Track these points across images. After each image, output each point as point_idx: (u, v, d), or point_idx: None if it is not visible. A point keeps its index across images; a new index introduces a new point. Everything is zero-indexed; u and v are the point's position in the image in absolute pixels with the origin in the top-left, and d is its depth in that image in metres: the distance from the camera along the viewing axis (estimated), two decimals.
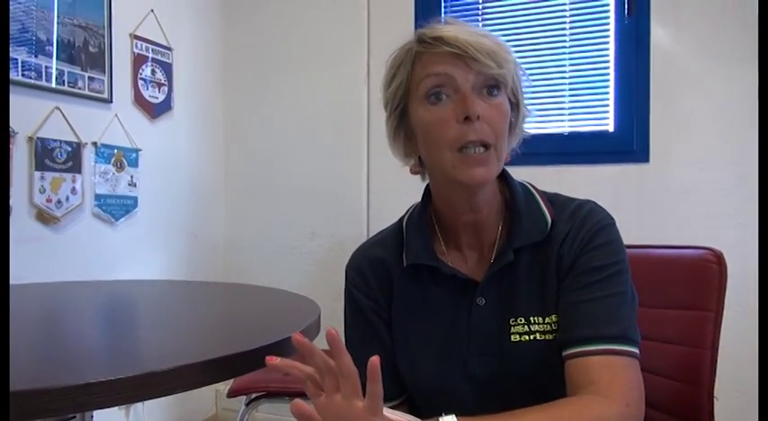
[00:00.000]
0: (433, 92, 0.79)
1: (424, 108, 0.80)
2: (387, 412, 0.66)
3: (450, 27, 0.79)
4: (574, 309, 0.78)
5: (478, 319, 0.83)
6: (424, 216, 0.90)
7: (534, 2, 2.18)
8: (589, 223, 0.82)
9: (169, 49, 2.36)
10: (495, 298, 0.83)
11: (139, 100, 2.22)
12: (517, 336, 0.81)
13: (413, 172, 0.90)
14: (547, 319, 0.81)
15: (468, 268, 0.86)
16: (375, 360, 0.59)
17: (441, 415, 0.67)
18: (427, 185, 0.92)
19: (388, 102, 0.86)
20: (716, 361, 0.99)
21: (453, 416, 0.66)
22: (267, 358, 0.62)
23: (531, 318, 0.81)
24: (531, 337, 0.81)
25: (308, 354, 0.62)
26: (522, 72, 0.84)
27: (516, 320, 0.82)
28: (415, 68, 0.81)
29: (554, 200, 0.87)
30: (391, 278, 0.89)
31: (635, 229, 1.97)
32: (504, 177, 0.88)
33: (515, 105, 0.84)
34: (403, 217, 0.94)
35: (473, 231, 0.86)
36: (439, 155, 0.79)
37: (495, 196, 0.86)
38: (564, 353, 0.77)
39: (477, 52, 0.76)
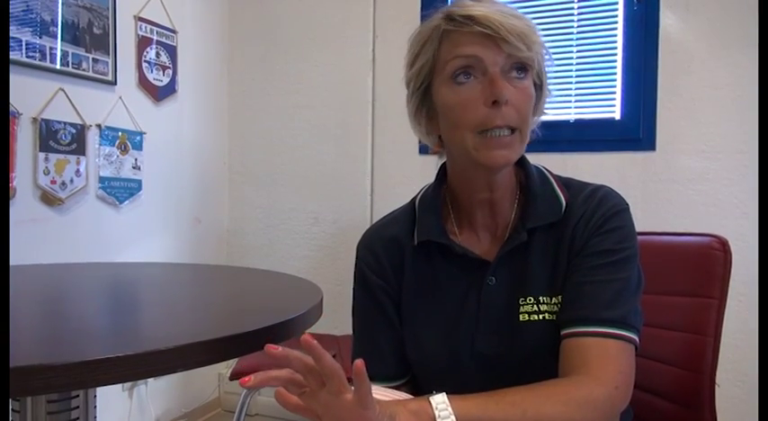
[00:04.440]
0: (461, 72, 0.78)
1: (449, 88, 0.79)
2: (377, 391, 0.66)
3: (479, 5, 0.78)
4: (577, 290, 0.79)
5: (488, 298, 0.84)
6: (438, 195, 0.90)
7: None
8: (604, 207, 0.82)
9: (174, 31, 2.35)
10: (506, 277, 0.84)
11: (144, 82, 2.21)
12: (526, 316, 0.81)
13: (433, 152, 0.90)
14: (554, 299, 0.81)
15: (481, 248, 0.87)
16: (359, 363, 0.59)
17: (432, 393, 0.67)
18: (442, 165, 0.92)
19: (411, 80, 0.85)
20: (718, 348, 1.00)
21: (443, 394, 0.66)
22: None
23: (541, 298, 0.81)
24: (540, 317, 0.81)
25: (284, 362, 0.61)
26: (546, 52, 0.83)
27: (526, 299, 0.82)
28: (442, 47, 0.80)
29: (568, 184, 0.87)
30: (403, 256, 0.89)
31: (640, 217, 1.96)
32: (519, 160, 0.88)
33: (539, 87, 0.84)
34: (416, 196, 0.94)
35: (488, 210, 0.86)
36: (461, 136, 0.79)
37: (510, 177, 0.86)
38: (561, 332, 0.78)
39: (508, 34, 0.74)
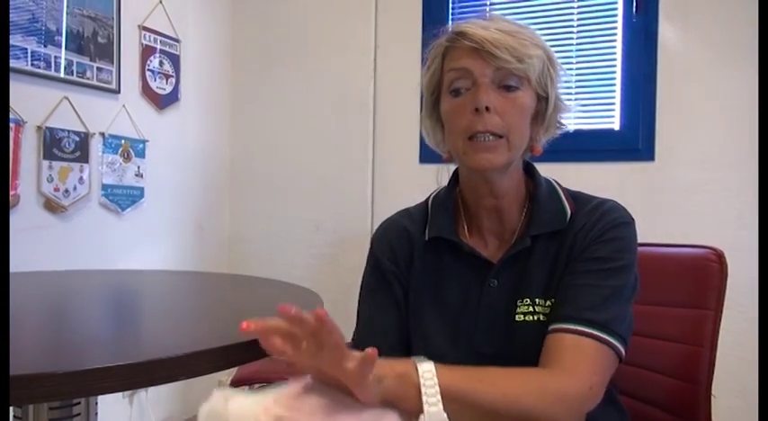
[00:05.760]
0: (455, 85, 0.84)
1: (447, 98, 0.86)
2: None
3: (478, 22, 0.83)
4: (567, 291, 0.82)
5: (488, 299, 0.86)
6: (450, 197, 0.94)
7: None
8: (607, 218, 0.85)
9: (177, 40, 2.37)
10: (507, 280, 0.87)
11: (147, 91, 2.23)
12: (522, 317, 0.84)
13: (445, 160, 0.94)
14: (548, 302, 0.84)
15: (488, 252, 0.90)
16: (372, 352, 0.60)
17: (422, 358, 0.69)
18: (455, 170, 0.96)
19: (424, 91, 0.92)
20: (714, 359, 1.00)
21: (431, 363, 0.68)
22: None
23: (537, 300, 0.84)
24: (535, 318, 0.83)
25: (297, 324, 0.61)
26: (556, 65, 0.87)
27: (523, 301, 0.85)
28: (444, 62, 0.87)
29: (576, 196, 0.91)
30: (413, 250, 0.93)
31: (638, 228, 1.98)
32: (530, 171, 0.93)
33: (545, 99, 0.87)
34: (429, 196, 0.98)
35: (495, 216, 0.90)
36: (455, 142, 0.85)
37: (518, 187, 0.90)
38: (548, 329, 0.80)
39: (493, 48, 0.80)
